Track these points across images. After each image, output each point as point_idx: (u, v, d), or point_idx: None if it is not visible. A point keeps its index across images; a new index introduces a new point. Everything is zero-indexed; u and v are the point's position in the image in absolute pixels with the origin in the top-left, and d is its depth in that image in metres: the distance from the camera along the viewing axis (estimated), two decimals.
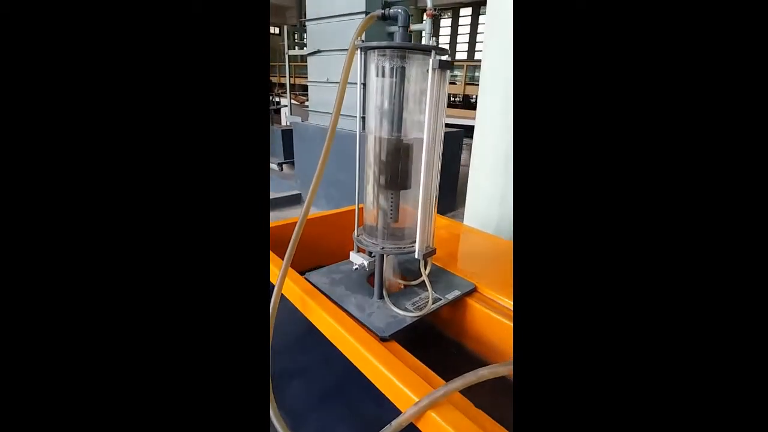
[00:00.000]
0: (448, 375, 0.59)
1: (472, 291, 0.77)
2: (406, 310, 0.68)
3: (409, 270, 0.82)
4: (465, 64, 7.69)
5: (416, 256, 0.67)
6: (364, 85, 0.67)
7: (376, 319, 0.66)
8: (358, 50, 0.63)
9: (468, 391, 0.50)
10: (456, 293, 0.74)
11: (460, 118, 5.60)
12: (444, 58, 0.57)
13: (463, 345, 0.79)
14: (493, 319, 0.72)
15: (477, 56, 11.03)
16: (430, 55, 0.60)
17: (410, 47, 0.60)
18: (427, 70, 0.59)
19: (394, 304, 0.69)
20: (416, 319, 0.66)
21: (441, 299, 0.72)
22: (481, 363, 0.76)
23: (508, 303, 0.74)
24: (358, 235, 0.73)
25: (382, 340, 0.62)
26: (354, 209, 1.11)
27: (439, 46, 0.58)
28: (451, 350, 0.79)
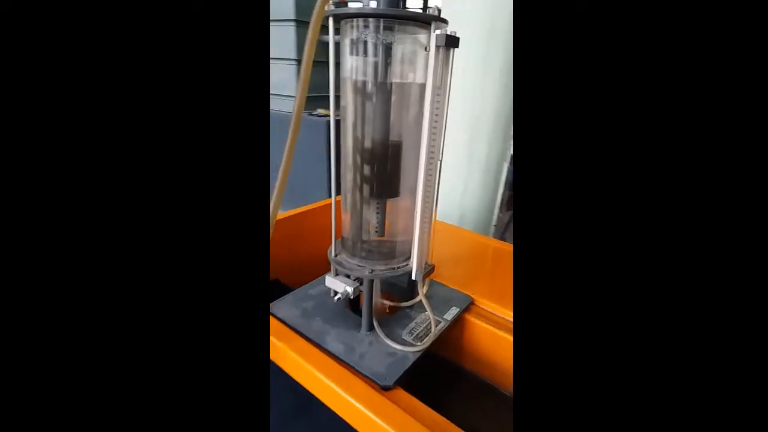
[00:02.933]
0: (449, 401, 0.49)
1: (470, 305, 0.68)
2: (404, 342, 0.57)
3: (395, 287, 0.70)
4: None
5: (413, 277, 0.56)
6: (338, 64, 0.52)
7: (371, 361, 0.53)
8: (330, 19, 0.48)
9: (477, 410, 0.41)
10: (455, 311, 0.65)
11: None
12: (448, 31, 0.44)
13: (462, 366, 0.70)
14: (496, 335, 0.64)
15: None
16: (428, 27, 0.47)
17: (403, 16, 0.46)
18: (425, 48, 0.47)
19: (389, 336, 0.57)
20: (420, 353, 0.55)
21: (441, 321, 0.62)
22: (485, 386, 0.68)
23: (510, 316, 0.66)
24: (336, 255, 0.59)
25: (384, 389, 0.50)
26: (314, 209, 0.95)
27: (439, 15, 0.45)
28: (448, 375, 0.70)
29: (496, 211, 1.50)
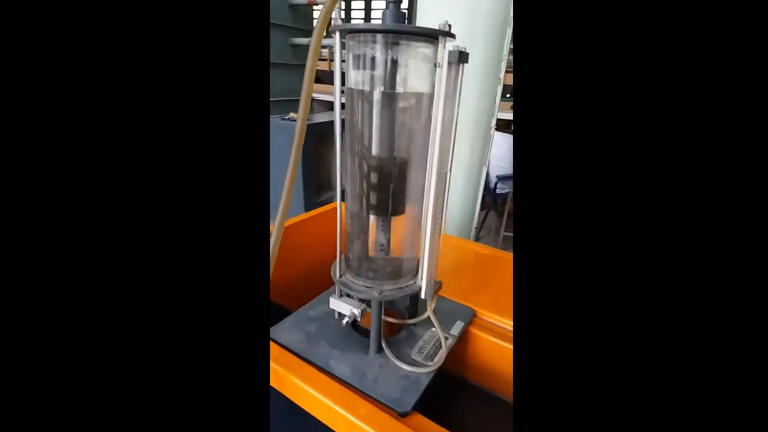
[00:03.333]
0: (455, 415, 0.49)
1: (472, 317, 0.68)
2: (414, 363, 0.55)
3: (393, 303, 0.68)
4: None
5: (423, 296, 0.54)
6: (343, 74, 0.49)
7: (384, 386, 0.51)
8: (337, 33, 0.45)
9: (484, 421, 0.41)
10: (460, 325, 0.64)
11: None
12: (459, 46, 0.43)
13: (465, 379, 0.70)
14: (499, 346, 0.64)
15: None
16: (435, 42, 0.45)
17: (414, 32, 0.44)
18: (435, 65, 0.45)
19: (398, 357, 0.56)
20: (433, 374, 0.54)
21: (448, 337, 0.61)
22: (490, 397, 0.68)
23: (511, 325, 0.67)
24: (340, 276, 0.57)
25: (402, 415, 0.48)
26: (300, 222, 0.92)
27: (450, 30, 0.44)
28: (452, 388, 0.69)
29: (477, 213, 1.52)
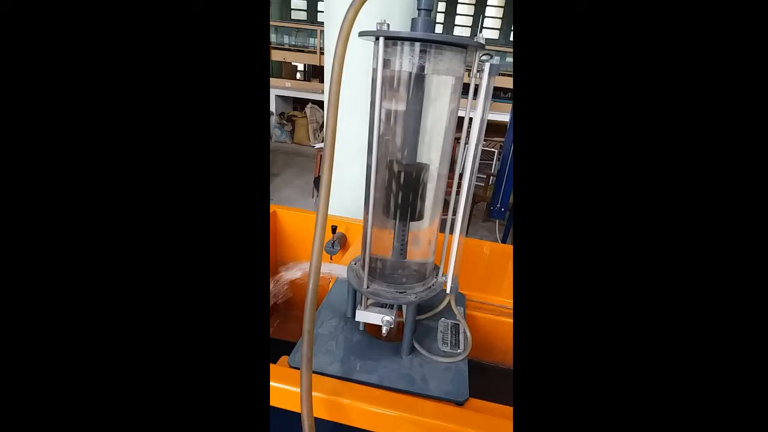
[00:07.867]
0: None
1: (465, 300, 0.74)
2: (446, 354, 0.59)
3: None
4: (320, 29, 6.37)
5: (449, 291, 0.58)
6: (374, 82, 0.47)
7: (436, 382, 0.53)
8: (376, 39, 0.43)
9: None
10: (461, 310, 0.70)
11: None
12: (493, 61, 0.47)
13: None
14: (495, 321, 0.73)
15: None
16: (465, 51, 0.48)
17: (451, 42, 0.46)
18: (473, 76, 0.48)
19: (429, 351, 0.58)
20: (467, 359, 0.58)
21: (463, 321, 0.66)
22: (486, 368, 0.76)
23: (496, 301, 0.76)
24: (367, 287, 0.55)
25: (460, 404, 0.52)
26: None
27: (483, 42, 0.47)
28: None
29: None
